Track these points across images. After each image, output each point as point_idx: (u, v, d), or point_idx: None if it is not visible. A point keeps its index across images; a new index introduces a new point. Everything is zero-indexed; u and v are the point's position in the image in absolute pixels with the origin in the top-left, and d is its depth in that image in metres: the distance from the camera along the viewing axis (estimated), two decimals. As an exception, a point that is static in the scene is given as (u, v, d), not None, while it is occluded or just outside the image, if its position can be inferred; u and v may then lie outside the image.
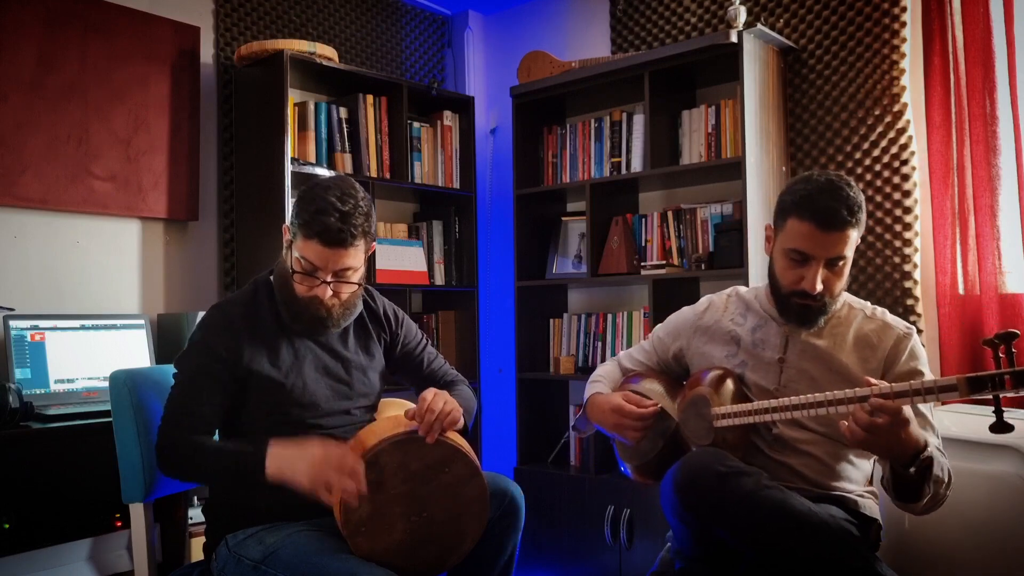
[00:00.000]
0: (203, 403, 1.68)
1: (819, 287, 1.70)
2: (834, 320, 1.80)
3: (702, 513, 1.59)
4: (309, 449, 1.58)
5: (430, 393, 1.66)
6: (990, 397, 1.46)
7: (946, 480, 1.62)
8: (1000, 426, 1.46)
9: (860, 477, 1.82)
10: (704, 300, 2.00)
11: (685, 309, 2.03)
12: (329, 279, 1.70)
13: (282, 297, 1.76)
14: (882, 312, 1.83)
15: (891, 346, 1.76)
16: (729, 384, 1.78)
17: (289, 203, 2.92)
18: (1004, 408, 1.47)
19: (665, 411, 1.85)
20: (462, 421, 1.69)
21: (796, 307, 1.75)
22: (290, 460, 1.57)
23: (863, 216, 1.71)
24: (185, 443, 1.65)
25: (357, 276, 1.75)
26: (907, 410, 1.50)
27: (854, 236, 1.70)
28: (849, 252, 1.71)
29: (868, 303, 1.86)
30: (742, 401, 1.75)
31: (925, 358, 1.79)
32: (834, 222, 1.67)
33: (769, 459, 1.77)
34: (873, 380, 1.55)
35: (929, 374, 1.77)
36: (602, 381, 2.03)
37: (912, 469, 1.54)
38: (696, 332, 1.95)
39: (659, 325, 2.08)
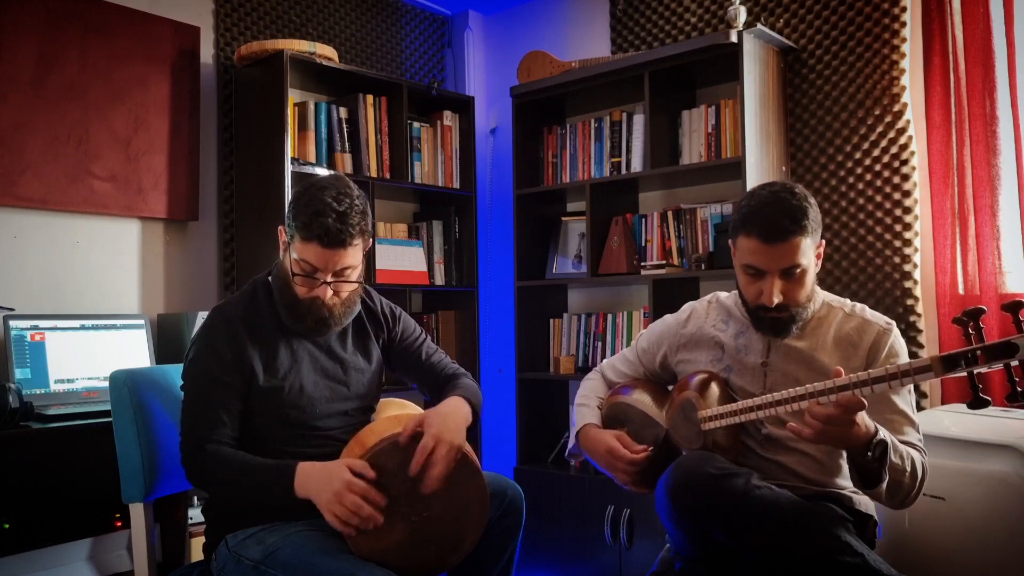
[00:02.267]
0: (219, 409, 1.67)
1: (776, 299, 1.69)
2: (814, 321, 1.80)
3: (696, 515, 1.59)
4: (332, 480, 1.55)
5: (431, 439, 1.60)
6: (965, 375, 1.46)
7: (909, 470, 1.61)
8: (977, 402, 1.46)
9: None
10: (686, 308, 2.00)
11: (667, 317, 2.02)
12: (329, 279, 1.70)
13: (283, 300, 1.75)
14: (861, 308, 1.82)
15: (872, 342, 1.76)
16: (714, 387, 1.78)
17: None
18: (1006, 410, 1.47)
19: (655, 419, 1.85)
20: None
21: (766, 320, 1.75)
22: (315, 486, 1.56)
23: (811, 223, 1.68)
24: (209, 458, 1.64)
25: (356, 274, 1.75)
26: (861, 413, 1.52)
27: (805, 243, 1.68)
28: (804, 260, 1.69)
29: (847, 300, 1.85)
30: (728, 403, 1.75)
31: (906, 353, 1.79)
32: (777, 233, 1.66)
33: (762, 459, 1.77)
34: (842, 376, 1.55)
35: None
36: (588, 405, 2.02)
37: (869, 453, 1.55)
38: (680, 341, 1.94)
39: (642, 335, 2.06)
